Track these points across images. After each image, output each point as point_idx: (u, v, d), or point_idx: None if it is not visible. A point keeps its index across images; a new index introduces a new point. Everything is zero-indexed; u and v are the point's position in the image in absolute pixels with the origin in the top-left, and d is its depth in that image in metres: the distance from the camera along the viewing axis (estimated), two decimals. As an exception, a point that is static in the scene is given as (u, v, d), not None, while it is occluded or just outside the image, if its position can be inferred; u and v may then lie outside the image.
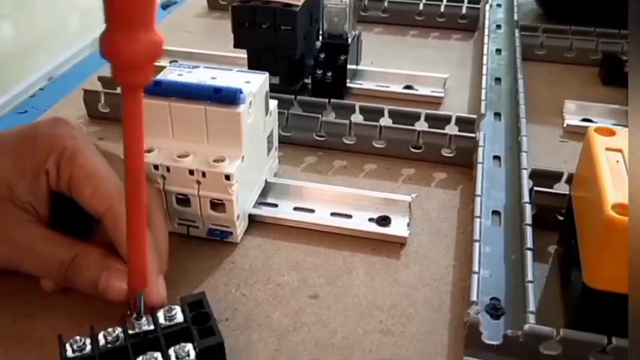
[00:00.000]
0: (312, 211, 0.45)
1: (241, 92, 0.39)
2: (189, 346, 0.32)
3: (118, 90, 0.55)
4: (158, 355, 0.31)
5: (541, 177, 0.45)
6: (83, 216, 0.36)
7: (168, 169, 0.40)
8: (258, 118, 0.42)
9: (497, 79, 0.62)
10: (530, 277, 0.36)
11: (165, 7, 0.80)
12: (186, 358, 0.31)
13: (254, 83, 0.41)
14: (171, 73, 0.41)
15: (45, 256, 0.35)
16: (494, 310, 0.36)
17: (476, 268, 0.37)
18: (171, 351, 0.31)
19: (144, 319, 0.33)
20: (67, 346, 0.31)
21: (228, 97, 0.39)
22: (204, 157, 0.39)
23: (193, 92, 0.39)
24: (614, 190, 0.32)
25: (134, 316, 0.32)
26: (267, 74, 0.43)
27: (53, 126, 0.37)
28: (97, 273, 0.34)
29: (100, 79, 0.56)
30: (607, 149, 0.35)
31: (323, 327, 0.36)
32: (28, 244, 0.35)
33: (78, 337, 0.32)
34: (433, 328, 0.36)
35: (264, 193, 0.46)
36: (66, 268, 0.34)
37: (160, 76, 0.40)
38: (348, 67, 0.59)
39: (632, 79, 0.30)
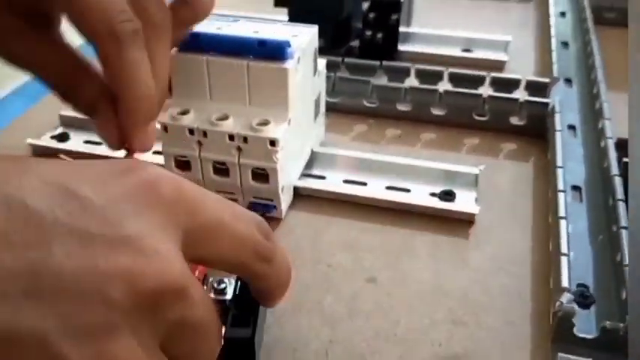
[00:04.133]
0: (365, 184, 0.40)
1: (289, 45, 0.34)
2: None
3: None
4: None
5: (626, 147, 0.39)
6: None
7: (205, 134, 0.35)
8: (306, 77, 0.37)
9: (564, 44, 0.56)
10: (626, 261, 0.30)
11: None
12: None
13: (302, 37, 0.36)
14: (210, 26, 0.36)
15: None
16: (582, 299, 0.31)
17: (564, 250, 0.31)
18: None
19: None
20: None
21: (274, 51, 0.34)
22: (246, 120, 0.35)
23: (234, 46, 0.34)
24: None
25: None
26: (316, 27, 0.38)
27: None
28: None
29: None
30: None
31: (383, 315, 0.31)
32: None
33: None
34: (512, 319, 0.31)
35: (309, 163, 0.41)
36: None
37: (197, 29, 0.35)
38: (400, 29, 0.54)
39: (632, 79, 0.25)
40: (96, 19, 0.26)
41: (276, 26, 0.37)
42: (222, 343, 0.26)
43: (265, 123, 0.34)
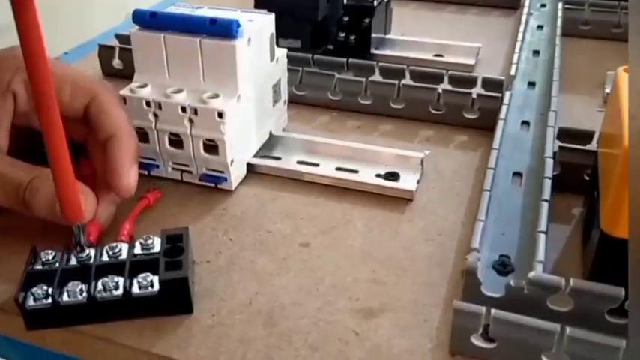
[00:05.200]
0: (317, 165, 0.42)
1: (238, 25, 0.36)
2: (152, 277, 0.29)
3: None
4: (120, 279, 0.29)
5: (570, 137, 0.41)
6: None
7: (159, 106, 0.37)
8: (260, 60, 0.40)
9: (536, 52, 0.58)
10: (542, 228, 0.32)
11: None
12: (149, 287, 0.29)
13: (257, 21, 0.39)
14: (174, 11, 0.39)
15: (3, 176, 0.33)
16: (502, 267, 0.32)
17: (482, 216, 0.33)
18: (135, 279, 0.29)
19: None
20: (38, 257, 0.30)
21: (224, 29, 0.36)
22: (199, 94, 0.37)
23: (189, 24, 0.37)
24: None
25: (77, 248, 0.30)
26: (272, 15, 0.41)
27: (14, 49, 0.34)
28: (55, 195, 0.32)
29: (118, 36, 0.55)
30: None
31: (310, 273, 0.33)
32: None
33: (50, 251, 0.30)
34: (431, 281, 0.32)
35: (268, 146, 0.43)
36: (24, 189, 0.32)
37: (156, 10, 0.38)
38: (375, 35, 0.56)
39: (633, 78, 0.27)
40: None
41: (235, 12, 0.40)
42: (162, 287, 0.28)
43: (215, 97, 0.37)
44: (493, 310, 0.27)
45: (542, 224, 0.32)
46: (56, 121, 0.26)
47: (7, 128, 0.35)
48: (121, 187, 0.34)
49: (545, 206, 0.34)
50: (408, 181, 0.40)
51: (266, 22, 0.40)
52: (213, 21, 0.36)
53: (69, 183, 0.28)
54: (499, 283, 0.31)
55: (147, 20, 0.37)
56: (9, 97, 0.34)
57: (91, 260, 0.31)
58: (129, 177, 0.34)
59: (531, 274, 0.29)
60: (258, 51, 0.39)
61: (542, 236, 0.31)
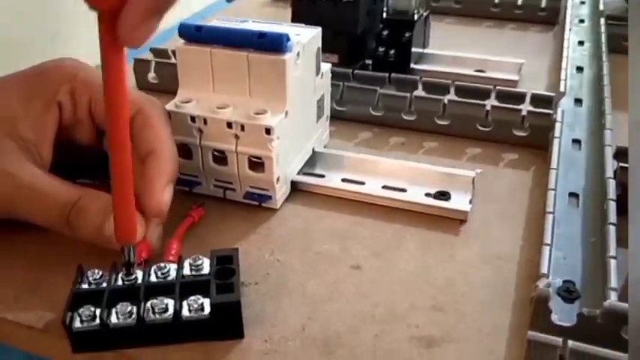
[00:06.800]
0: (362, 183, 0.40)
1: (288, 39, 0.35)
2: (203, 300, 0.28)
3: (172, 60, 0.53)
4: (169, 302, 0.28)
5: (627, 156, 0.39)
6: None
7: (205, 122, 0.36)
8: (307, 75, 0.39)
9: (579, 68, 0.56)
10: (612, 253, 0.30)
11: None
12: (199, 311, 0.28)
13: (304, 35, 0.38)
14: (219, 24, 0.38)
15: (47, 195, 0.32)
16: (567, 293, 0.31)
17: (548, 240, 0.31)
18: (185, 302, 0.28)
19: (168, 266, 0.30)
20: (85, 276, 0.29)
21: (273, 44, 0.35)
22: (245, 109, 0.36)
23: (236, 38, 0.36)
24: None
25: (123, 270, 0.29)
26: (319, 29, 0.39)
27: (59, 60, 0.35)
28: (103, 217, 0.30)
29: (153, 50, 0.55)
30: None
31: (363, 299, 0.31)
32: (28, 182, 0.32)
33: (97, 270, 0.29)
34: (493, 308, 0.31)
35: (311, 163, 0.42)
36: (69, 210, 0.31)
37: (203, 23, 0.37)
38: (415, 49, 0.55)
39: (633, 78, 0.25)
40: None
41: (281, 26, 0.39)
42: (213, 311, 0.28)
43: (263, 112, 0.36)
44: (570, 342, 0.26)
45: (612, 249, 0.31)
46: (125, 140, 0.25)
47: (52, 142, 0.34)
48: (151, 207, 0.32)
49: (612, 230, 0.32)
50: (460, 201, 0.38)
51: (313, 35, 0.38)
52: (263, 35, 0.35)
53: (128, 203, 0.27)
54: (566, 310, 0.30)
55: (193, 34, 0.36)
56: (54, 108, 0.33)
57: (139, 281, 0.29)
58: (161, 196, 0.32)
59: (607, 303, 0.27)
60: (306, 66, 0.38)
61: (613, 262, 0.30)
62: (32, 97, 0.33)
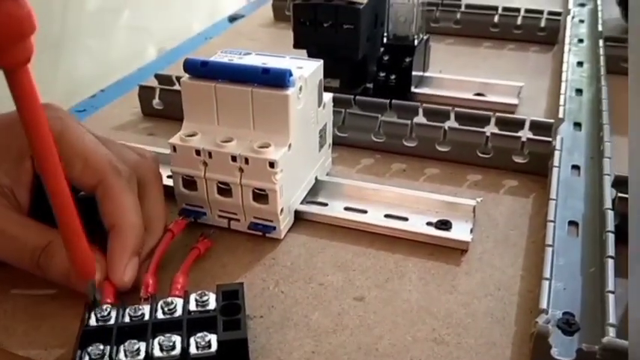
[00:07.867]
0: (365, 212, 0.41)
1: (291, 74, 0.36)
2: (210, 337, 0.29)
3: (176, 87, 0.54)
4: (177, 338, 0.29)
5: (627, 185, 0.40)
6: None
7: (210, 155, 0.37)
8: (309, 107, 0.39)
9: (578, 91, 0.57)
10: (610, 287, 0.31)
11: (232, 19, 0.80)
12: (207, 348, 0.28)
13: (307, 68, 0.38)
14: (222, 58, 0.39)
15: (18, 239, 0.32)
16: (567, 326, 0.31)
17: (547, 274, 0.32)
18: (192, 338, 0.29)
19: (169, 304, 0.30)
20: (92, 313, 0.30)
21: (276, 79, 0.36)
22: (249, 143, 0.37)
23: (240, 73, 0.37)
24: None
25: (87, 306, 0.30)
26: (321, 61, 0.40)
27: None
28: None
29: (157, 76, 0.55)
30: None
31: (367, 331, 0.32)
32: (1, 227, 0.33)
33: (105, 307, 0.30)
34: (494, 341, 0.31)
35: (314, 191, 0.43)
36: (39, 254, 0.32)
37: (207, 59, 0.38)
38: (415, 73, 0.56)
39: (633, 78, 0.26)
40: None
41: (283, 59, 0.40)
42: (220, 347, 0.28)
43: (266, 146, 0.36)
44: (571, 380, 0.26)
45: (610, 283, 0.31)
46: (61, 183, 0.26)
47: (28, 186, 0.34)
48: (115, 281, 0.32)
49: (610, 263, 0.32)
50: (461, 231, 0.39)
51: (315, 68, 0.39)
52: (266, 71, 0.36)
53: (78, 238, 0.28)
54: (566, 344, 0.30)
55: (198, 69, 0.37)
56: (27, 159, 0.34)
57: (147, 317, 0.30)
58: (122, 274, 0.33)
59: (605, 340, 0.27)
60: (308, 98, 0.39)
61: (612, 297, 0.30)
62: (8, 148, 0.34)
